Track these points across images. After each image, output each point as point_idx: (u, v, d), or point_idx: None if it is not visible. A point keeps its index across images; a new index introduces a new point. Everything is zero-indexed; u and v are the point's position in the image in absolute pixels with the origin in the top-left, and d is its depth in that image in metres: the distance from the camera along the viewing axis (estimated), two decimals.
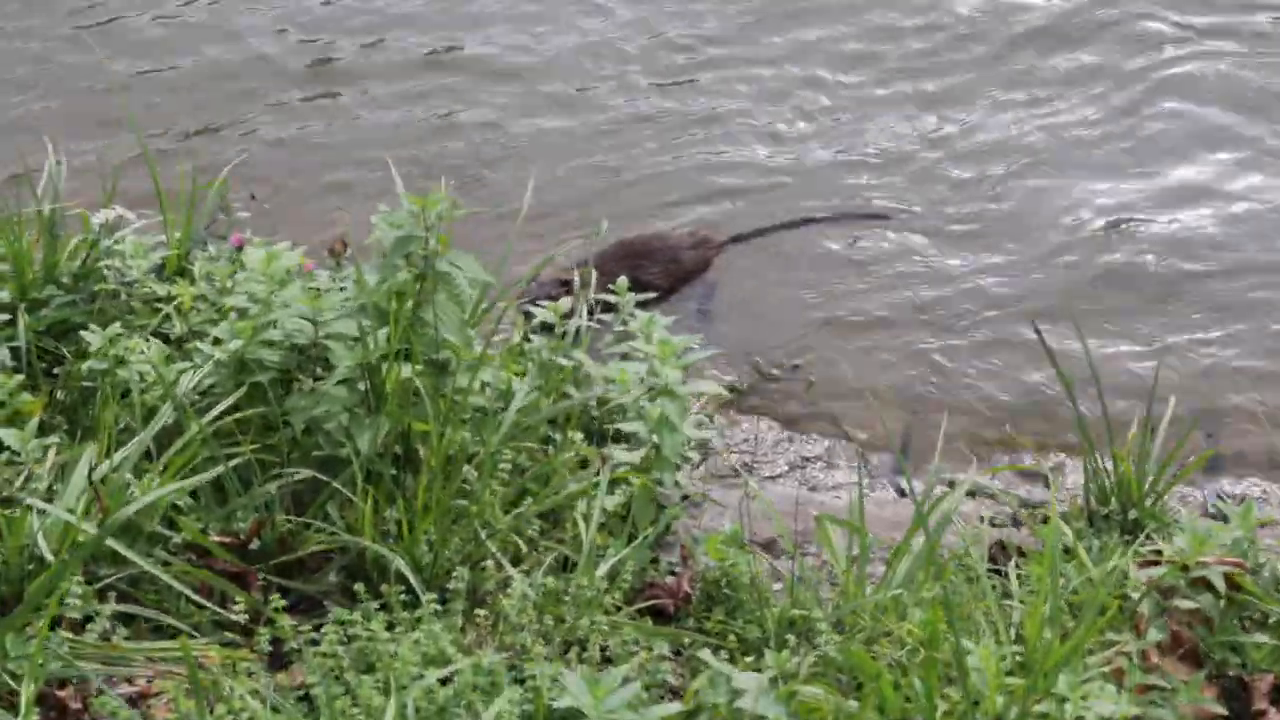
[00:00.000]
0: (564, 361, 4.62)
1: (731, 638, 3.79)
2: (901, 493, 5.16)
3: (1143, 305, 5.94)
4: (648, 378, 4.40)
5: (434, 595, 3.51)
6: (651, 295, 5.52)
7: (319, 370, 4.07)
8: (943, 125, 6.90)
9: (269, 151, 6.81)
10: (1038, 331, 4.76)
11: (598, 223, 5.61)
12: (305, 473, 3.88)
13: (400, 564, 3.65)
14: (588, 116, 7.02)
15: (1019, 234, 6.27)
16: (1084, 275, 6.08)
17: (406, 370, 3.94)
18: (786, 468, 5.24)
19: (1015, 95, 7.12)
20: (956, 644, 3.28)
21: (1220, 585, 3.60)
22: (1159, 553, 3.82)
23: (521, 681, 3.37)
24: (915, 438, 5.33)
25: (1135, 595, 3.70)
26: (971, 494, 4.97)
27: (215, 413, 3.91)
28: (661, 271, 5.87)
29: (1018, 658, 3.48)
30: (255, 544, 3.80)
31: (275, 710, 3.25)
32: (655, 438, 4.33)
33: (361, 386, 3.95)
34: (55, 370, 4.45)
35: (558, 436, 4.43)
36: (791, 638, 3.68)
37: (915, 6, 7.73)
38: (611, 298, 5.16)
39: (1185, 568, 3.66)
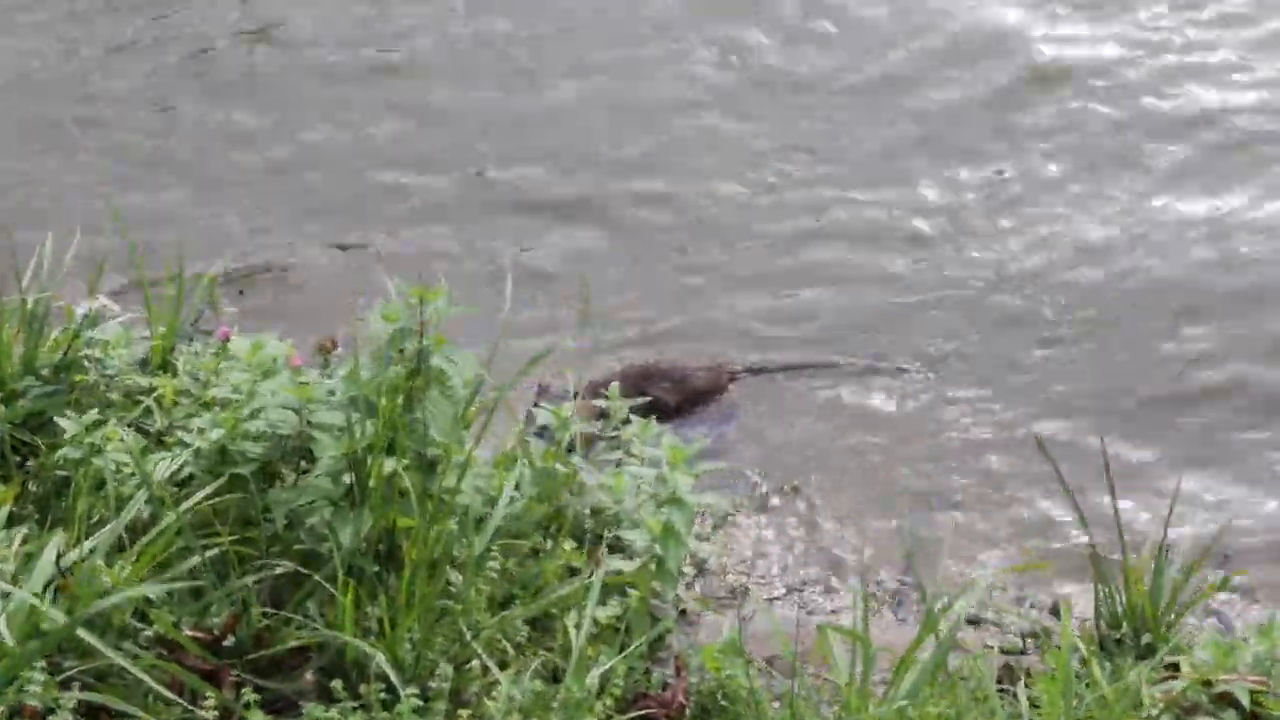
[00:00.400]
0: (560, 468, 4.46)
1: None
2: (902, 620, 5.00)
3: (1162, 432, 5.80)
4: (654, 483, 4.25)
5: (415, 690, 3.34)
6: (649, 399, 5.35)
7: (303, 464, 3.93)
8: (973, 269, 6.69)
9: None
10: (1042, 447, 4.65)
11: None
12: (285, 565, 3.72)
13: (381, 660, 3.46)
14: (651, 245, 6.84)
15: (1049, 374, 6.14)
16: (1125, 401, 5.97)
17: (391, 464, 3.79)
18: (784, 590, 5.08)
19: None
20: None
21: (1245, 701, 3.44)
22: (1176, 666, 3.66)
23: None
24: (917, 564, 5.17)
25: (1153, 713, 3.53)
26: (975, 622, 4.82)
27: (192, 502, 3.76)
28: (672, 388, 5.72)
29: None
30: (230, 640, 3.63)
31: None
32: (659, 548, 4.15)
33: (346, 479, 3.81)
34: (29, 464, 4.31)
35: (549, 543, 4.27)
36: None
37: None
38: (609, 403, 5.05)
39: (1207, 683, 3.50)
